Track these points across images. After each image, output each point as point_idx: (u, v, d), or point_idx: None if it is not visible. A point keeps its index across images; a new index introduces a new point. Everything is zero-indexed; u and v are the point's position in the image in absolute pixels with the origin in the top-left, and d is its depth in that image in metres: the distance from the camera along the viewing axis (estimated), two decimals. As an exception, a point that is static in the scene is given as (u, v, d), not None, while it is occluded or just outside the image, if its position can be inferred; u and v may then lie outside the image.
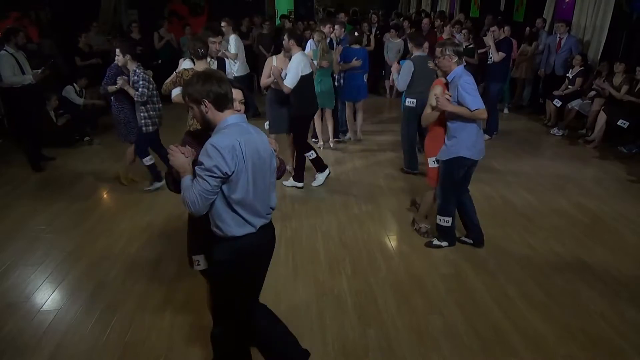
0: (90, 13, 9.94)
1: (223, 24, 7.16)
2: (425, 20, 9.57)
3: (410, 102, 5.43)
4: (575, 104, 7.28)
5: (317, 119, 6.54)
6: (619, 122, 6.35)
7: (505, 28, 7.20)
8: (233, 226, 2.20)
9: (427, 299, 3.44)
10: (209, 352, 2.93)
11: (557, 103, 7.51)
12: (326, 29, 6.48)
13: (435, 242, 4.11)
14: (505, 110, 8.68)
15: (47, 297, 3.52)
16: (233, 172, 2.08)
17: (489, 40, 7.07)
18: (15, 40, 5.80)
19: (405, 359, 2.86)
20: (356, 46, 6.60)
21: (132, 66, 4.90)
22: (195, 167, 2.10)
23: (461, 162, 3.76)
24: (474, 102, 3.54)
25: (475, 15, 11.40)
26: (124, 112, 5.17)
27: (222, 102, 2.15)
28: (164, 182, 4.65)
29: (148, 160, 5.22)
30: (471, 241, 4.12)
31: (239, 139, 2.11)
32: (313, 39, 6.36)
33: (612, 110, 6.52)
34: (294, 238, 4.30)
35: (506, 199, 5.10)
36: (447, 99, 3.65)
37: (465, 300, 3.42)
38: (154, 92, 4.97)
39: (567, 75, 7.60)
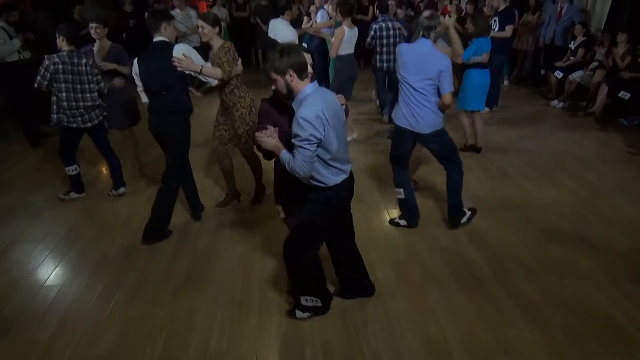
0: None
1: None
2: (426, -10, 9.39)
3: None
4: (576, 75, 7.21)
5: None
6: (620, 94, 6.31)
7: None
8: (332, 177, 2.59)
9: (425, 271, 3.47)
10: (210, 324, 2.99)
11: (559, 74, 7.44)
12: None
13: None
14: (506, 82, 8.59)
15: (50, 272, 3.56)
16: (324, 136, 2.40)
17: (487, 10, 6.95)
18: (7, 16, 5.75)
19: (403, 330, 2.91)
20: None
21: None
22: (293, 140, 2.41)
23: None
24: None
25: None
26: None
27: (304, 71, 2.42)
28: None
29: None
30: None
31: (321, 106, 2.39)
32: (325, 7, 6.34)
33: (614, 82, 6.45)
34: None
35: (505, 171, 5.10)
36: None
37: (463, 272, 3.46)
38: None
39: (570, 46, 7.50)
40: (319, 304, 2.91)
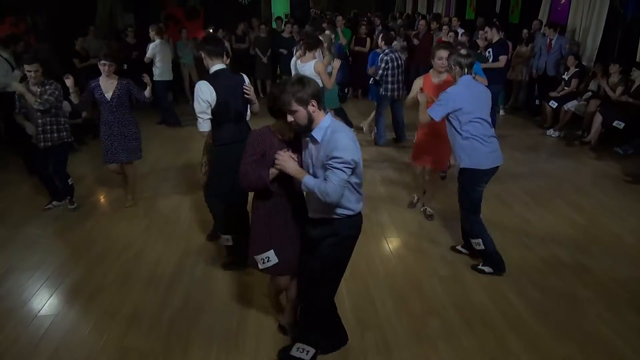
0: (86, 17, 9.94)
1: (150, 31, 7.75)
2: (422, 22, 9.61)
3: None
4: (571, 105, 7.31)
5: None
6: (615, 123, 6.38)
7: (493, 29, 7.20)
8: (357, 203, 2.59)
9: (425, 301, 3.44)
10: (206, 355, 2.93)
11: (553, 104, 7.54)
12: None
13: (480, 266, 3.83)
14: (501, 112, 8.69)
15: (44, 302, 3.50)
16: (359, 161, 2.40)
17: (480, 42, 7.10)
18: (15, 48, 5.87)
19: (403, 361, 2.86)
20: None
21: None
22: (331, 162, 2.31)
23: None
24: None
25: (471, 18, 11.45)
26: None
27: (322, 101, 2.40)
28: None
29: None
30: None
31: (351, 132, 2.41)
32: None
33: (608, 112, 6.55)
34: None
35: (502, 200, 5.11)
36: None
37: (462, 301, 3.42)
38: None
39: (563, 76, 7.64)
40: (308, 357, 2.74)
